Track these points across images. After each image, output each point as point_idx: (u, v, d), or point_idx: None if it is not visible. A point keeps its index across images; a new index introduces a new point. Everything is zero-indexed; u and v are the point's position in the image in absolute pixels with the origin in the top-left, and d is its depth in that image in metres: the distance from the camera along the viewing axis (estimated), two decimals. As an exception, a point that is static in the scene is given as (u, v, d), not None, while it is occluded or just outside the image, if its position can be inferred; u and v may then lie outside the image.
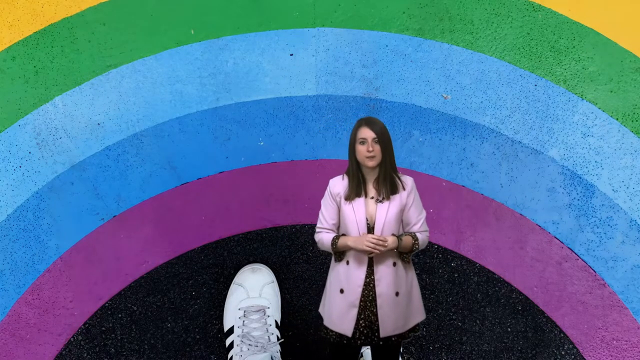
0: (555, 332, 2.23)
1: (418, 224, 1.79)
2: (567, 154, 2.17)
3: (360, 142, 1.75)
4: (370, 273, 1.77)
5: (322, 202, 1.84)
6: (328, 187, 1.83)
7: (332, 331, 1.83)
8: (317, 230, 1.84)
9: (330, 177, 1.86)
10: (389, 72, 2.21)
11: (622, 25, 2.09)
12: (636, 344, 2.16)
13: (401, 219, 1.79)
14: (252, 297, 2.24)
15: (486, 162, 2.23)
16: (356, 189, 1.78)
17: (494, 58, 2.17)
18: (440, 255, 2.32)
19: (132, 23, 2.15)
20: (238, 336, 2.18)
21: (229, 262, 2.34)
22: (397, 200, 1.77)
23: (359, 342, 1.80)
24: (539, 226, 2.22)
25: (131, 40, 2.16)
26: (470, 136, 2.22)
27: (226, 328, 2.26)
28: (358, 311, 1.78)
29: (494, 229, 2.26)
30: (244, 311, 2.21)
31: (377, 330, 1.78)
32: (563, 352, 2.23)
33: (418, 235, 1.78)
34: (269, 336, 2.17)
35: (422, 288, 1.90)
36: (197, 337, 2.33)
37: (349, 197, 1.78)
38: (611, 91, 2.12)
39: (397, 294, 1.77)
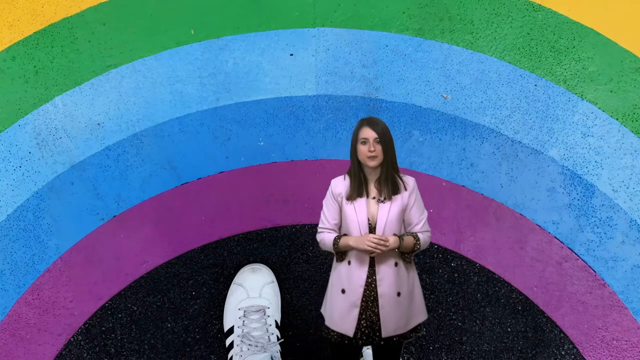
0: (555, 332, 2.24)
1: (420, 224, 1.80)
2: (567, 154, 2.17)
3: (361, 142, 1.75)
4: (371, 273, 1.77)
5: (324, 202, 1.84)
6: (330, 187, 1.83)
7: (333, 331, 1.83)
8: (319, 230, 1.84)
9: (330, 177, 1.86)
10: (389, 72, 2.21)
11: (622, 25, 2.09)
12: (636, 344, 2.16)
13: (403, 219, 1.79)
14: (252, 297, 2.24)
15: (486, 162, 2.23)
16: (358, 189, 1.78)
17: (494, 58, 2.17)
18: (440, 255, 2.32)
19: (132, 23, 2.15)
20: (238, 336, 2.18)
21: (229, 262, 2.34)
22: (398, 201, 1.77)
23: (360, 342, 1.80)
24: (539, 226, 2.22)
25: (131, 40, 2.16)
26: (470, 136, 2.22)
27: (226, 328, 2.26)
28: (359, 311, 1.78)
29: (494, 229, 2.26)
30: (244, 311, 2.21)
31: (379, 331, 1.78)
32: (563, 352, 2.23)
33: (420, 235, 1.78)
34: (269, 336, 2.17)
35: (422, 288, 1.90)
36: (197, 337, 2.33)
37: (351, 197, 1.78)
38: (611, 91, 2.12)
39: (398, 294, 1.77)
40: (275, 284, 2.32)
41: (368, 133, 1.74)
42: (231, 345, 2.20)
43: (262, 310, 2.22)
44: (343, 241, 1.77)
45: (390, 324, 1.78)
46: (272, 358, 2.13)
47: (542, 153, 2.18)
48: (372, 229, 1.76)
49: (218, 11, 2.17)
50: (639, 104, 2.11)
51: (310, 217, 2.33)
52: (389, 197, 1.76)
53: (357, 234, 1.76)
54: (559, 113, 2.16)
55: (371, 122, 1.76)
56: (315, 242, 2.19)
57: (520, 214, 2.23)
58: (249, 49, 2.20)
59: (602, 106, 2.13)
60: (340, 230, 1.83)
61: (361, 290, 1.77)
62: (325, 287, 1.92)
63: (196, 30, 2.18)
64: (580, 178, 2.16)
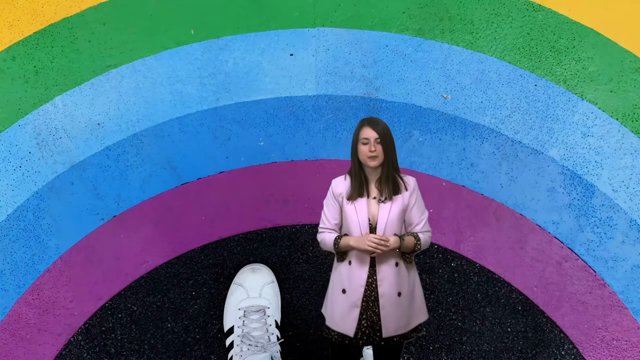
0: (555, 332, 2.24)
1: (420, 224, 1.80)
2: (567, 154, 2.17)
3: (362, 142, 1.75)
4: (372, 273, 1.77)
5: (325, 202, 1.84)
6: (330, 187, 1.83)
7: (334, 331, 1.83)
8: (320, 230, 1.84)
9: (330, 177, 1.86)
10: (389, 72, 2.21)
11: (622, 25, 2.09)
12: (636, 344, 2.16)
13: (403, 219, 1.79)
14: (252, 297, 2.24)
15: (486, 162, 2.23)
16: (358, 189, 1.78)
17: (494, 58, 2.17)
18: (440, 255, 2.32)
19: (132, 23, 2.15)
20: (238, 336, 2.18)
21: (229, 262, 2.34)
22: (399, 201, 1.77)
23: (360, 342, 1.80)
24: (539, 226, 2.22)
25: (131, 40, 2.16)
26: (470, 136, 2.22)
27: (226, 328, 2.26)
28: (360, 311, 1.78)
29: (494, 229, 2.26)
30: (244, 311, 2.21)
31: (379, 331, 1.78)
32: (563, 352, 2.23)
33: (420, 235, 1.78)
34: (269, 336, 2.17)
35: (422, 288, 1.90)
36: (197, 337, 2.33)
37: (351, 197, 1.78)
38: (611, 91, 2.12)
39: (399, 294, 1.77)
40: (275, 284, 2.32)
41: (369, 133, 1.74)
42: (231, 345, 2.20)
43: (262, 310, 2.22)
44: (344, 241, 1.77)
45: (391, 324, 1.78)
46: (272, 358, 2.13)
47: (542, 153, 2.18)
48: (372, 229, 1.76)
49: (218, 11, 2.17)
50: (639, 104, 2.11)
51: (310, 217, 2.33)
52: (389, 197, 1.76)
53: (357, 234, 1.76)
54: (559, 113, 2.16)
55: (372, 122, 1.76)
56: (315, 242, 2.19)
57: (520, 214, 2.23)
58: (249, 49, 2.20)
59: (602, 106, 2.13)
60: (341, 230, 1.83)
61: (362, 290, 1.77)
62: (325, 287, 1.92)
63: (196, 30, 2.18)
64: (580, 178, 2.16)
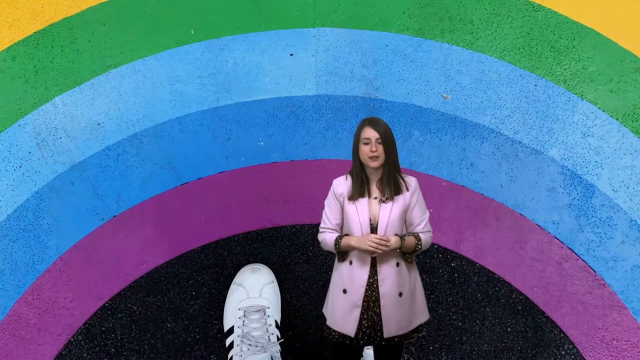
0: (555, 332, 2.24)
1: (421, 225, 1.80)
2: (567, 154, 2.17)
3: (363, 142, 1.75)
4: (373, 273, 1.77)
5: (326, 202, 1.84)
6: (332, 187, 1.83)
7: (334, 331, 1.83)
8: (321, 230, 1.84)
9: (330, 177, 1.86)
10: (389, 72, 2.21)
11: (622, 25, 2.09)
12: (636, 344, 2.16)
13: (404, 219, 1.79)
14: (252, 297, 2.24)
15: (486, 162, 2.23)
16: (360, 189, 1.78)
17: (494, 58, 2.17)
18: (440, 255, 2.32)
19: (132, 23, 2.15)
20: (238, 336, 2.18)
21: (229, 262, 2.34)
22: (400, 201, 1.77)
23: (361, 342, 1.80)
24: (539, 226, 2.22)
25: (131, 40, 2.16)
26: (470, 136, 2.22)
27: (226, 328, 2.26)
28: (361, 311, 1.78)
29: (494, 229, 2.26)
30: (244, 311, 2.21)
31: (380, 331, 1.78)
32: (563, 352, 2.23)
33: (421, 235, 1.79)
34: (269, 336, 2.17)
35: (423, 288, 1.90)
36: (197, 337, 2.33)
37: (353, 197, 1.78)
38: (611, 91, 2.12)
39: (400, 294, 1.77)
40: (275, 284, 2.32)
41: (370, 133, 1.74)
42: (231, 345, 2.20)
43: (262, 310, 2.22)
44: (344, 241, 1.77)
45: (392, 324, 1.78)
46: (272, 358, 2.13)
47: (542, 153, 2.18)
48: (373, 229, 1.76)
49: (218, 11, 2.17)
50: (639, 104, 2.11)
51: (310, 217, 2.33)
52: (391, 198, 1.76)
53: (358, 234, 1.76)
54: (559, 113, 2.16)
55: (373, 123, 1.76)
56: (315, 242, 2.19)
57: (520, 214, 2.23)
58: (249, 49, 2.20)
59: (602, 106, 2.13)
60: (342, 230, 1.83)
61: (363, 290, 1.77)
62: (325, 287, 1.92)
63: (196, 30, 2.18)
64: (580, 178, 2.16)
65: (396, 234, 1.75)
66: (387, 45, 2.20)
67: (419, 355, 2.32)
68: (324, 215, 1.84)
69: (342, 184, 1.82)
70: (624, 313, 2.16)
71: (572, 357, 2.22)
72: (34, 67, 2.13)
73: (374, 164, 1.75)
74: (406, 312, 1.80)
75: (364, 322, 1.79)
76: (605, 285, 2.17)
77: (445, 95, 2.21)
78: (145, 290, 2.31)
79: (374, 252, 1.71)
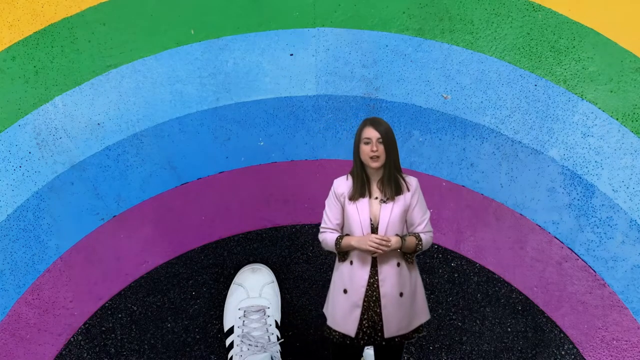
0: (555, 332, 2.24)
1: (422, 225, 1.80)
2: (567, 154, 2.17)
3: (364, 142, 1.75)
4: (374, 273, 1.77)
5: (327, 202, 1.84)
6: (332, 187, 1.83)
7: (335, 331, 1.83)
8: (321, 230, 1.84)
9: (330, 177, 1.86)
10: (389, 72, 2.21)
11: (622, 25, 2.09)
12: (636, 344, 2.16)
13: (405, 219, 1.79)
14: (252, 297, 2.24)
15: (486, 162, 2.23)
16: (360, 190, 1.78)
17: (494, 58, 2.17)
18: (440, 255, 2.32)
19: (132, 23, 2.15)
20: (238, 336, 2.18)
21: (229, 262, 2.34)
22: (401, 201, 1.77)
23: (362, 342, 1.80)
24: (539, 226, 2.22)
25: (131, 40, 2.16)
26: (470, 136, 2.22)
27: (226, 328, 2.26)
28: (361, 311, 1.78)
29: (494, 229, 2.26)
30: (244, 311, 2.21)
31: (381, 331, 1.78)
32: (563, 352, 2.23)
33: (422, 235, 1.79)
34: (269, 336, 2.17)
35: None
36: (197, 337, 2.33)
37: (353, 198, 1.78)
38: (611, 91, 2.12)
39: (401, 294, 1.77)
40: (275, 284, 2.32)
41: (371, 133, 1.74)
42: (231, 345, 2.20)
43: (262, 310, 2.22)
44: (345, 241, 1.77)
45: (393, 325, 1.78)
46: (272, 358, 2.13)
47: (542, 153, 2.18)
48: (374, 229, 1.76)
49: (218, 11, 2.17)
50: (639, 104, 2.11)
51: (311, 217, 2.33)
52: (391, 198, 1.76)
53: (359, 234, 1.76)
54: (559, 113, 2.16)
55: (374, 122, 1.76)
56: (315, 242, 2.19)
57: (520, 214, 2.23)
58: (249, 49, 2.20)
59: (602, 106, 2.13)
60: (343, 230, 1.83)
61: (363, 290, 1.77)
62: (325, 287, 1.92)
63: (196, 30, 2.18)
64: (580, 178, 2.16)
65: (397, 234, 1.75)
66: (387, 45, 2.20)
67: (419, 355, 2.32)
68: (324, 215, 1.84)
69: (342, 184, 1.82)
70: (624, 313, 2.16)
71: (572, 357, 2.22)
72: (34, 67, 2.13)
73: (375, 164, 1.75)
74: (407, 312, 1.80)
75: (364, 322, 1.79)
76: (605, 285, 2.17)
77: (445, 95, 2.21)
78: (145, 290, 2.31)
79: (375, 253, 1.71)
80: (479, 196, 2.26)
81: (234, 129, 2.26)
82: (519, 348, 2.27)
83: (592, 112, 2.14)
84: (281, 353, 2.19)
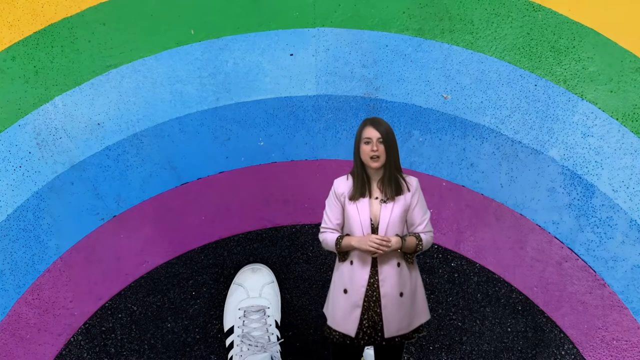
0: (555, 332, 2.24)
1: (422, 225, 1.80)
2: (567, 154, 2.17)
3: (365, 142, 1.75)
4: (374, 273, 1.77)
5: (327, 202, 1.84)
6: (332, 187, 1.83)
7: (335, 331, 1.83)
8: (322, 230, 1.84)
9: (330, 177, 1.86)
10: (389, 72, 2.21)
11: (622, 25, 2.09)
12: (636, 344, 2.16)
13: (405, 219, 1.79)
14: (252, 297, 2.24)
15: (486, 162, 2.23)
16: (360, 190, 1.78)
17: (494, 58, 2.17)
18: (440, 255, 2.32)
19: (132, 23, 2.15)
20: (238, 336, 2.18)
21: (229, 262, 2.34)
22: (401, 201, 1.77)
23: (362, 342, 1.80)
24: (539, 226, 2.22)
25: (131, 40, 2.16)
26: (470, 136, 2.22)
27: (226, 328, 2.26)
28: (361, 311, 1.78)
29: (494, 229, 2.26)
30: (244, 311, 2.21)
31: (381, 331, 1.78)
32: (563, 352, 2.23)
33: (422, 235, 1.79)
34: (269, 336, 2.17)
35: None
36: (197, 337, 2.33)
37: (354, 198, 1.78)
38: (611, 91, 2.12)
39: (401, 294, 1.77)
40: (275, 284, 2.32)
41: (371, 133, 1.74)
42: (231, 345, 2.20)
43: (262, 310, 2.22)
44: (345, 241, 1.77)
45: (393, 325, 1.78)
46: (272, 358, 2.13)
47: (542, 153, 2.18)
48: (374, 229, 1.76)
49: (218, 11, 2.17)
50: (639, 104, 2.11)
51: (310, 217, 2.33)
52: (391, 198, 1.76)
53: (359, 234, 1.76)
54: (559, 113, 2.16)
55: (375, 122, 1.76)
56: (315, 242, 2.19)
57: (520, 214, 2.23)
58: (249, 49, 2.20)
59: (602, 106, 2.13)
60: (343, 230, 1.83)
61: (363, 290, 1.77)
62: (325, 287, 1.92)
63: (196, 30, 2.18)
64: (580, 178, 2.17)
65: (397, 235, 1.75)
66: (387, 45, 2.20)
67: (419, 355, 2.32)
68: (324, 215, 1.84)
69: (343, 184, 1.82)
70: (624, 313, 2.16)
71: (572, 357, 2.22)
72: (34, 67, 2.13)
73: (375, 164, 1.75)
74: (407, 312, 1.80)
75: (364, 322, 1.79)
76: (605, 285, 2.17)
77: (445, 95, 2.21)
78: (145, 290, 2.31)
79: (375, 253, 1.72)
80: (479, 196, 2.26)
81: (234, 129, 2.26)
82: (519, 348, 2.27)
83: (592, 112, 2.14)
84: (281, 353, 2.19)
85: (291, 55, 2.22)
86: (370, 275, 1.77)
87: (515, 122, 2.19)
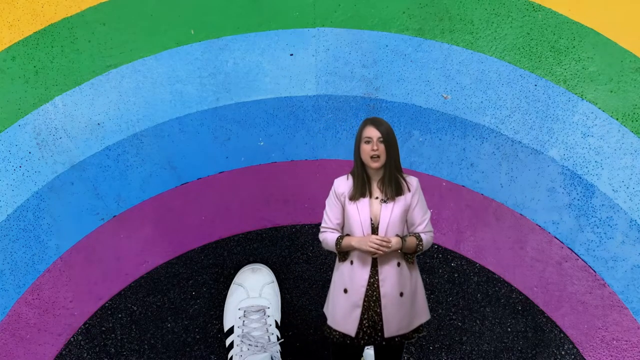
0: (555, 332, 2.24)
1: (422, 225, 1.80)
2: (567, 154, 2.17)
3: (365, 141, 1.75)
4: (374, 273, 1.77)
5: (327, 201, 1.84)
6: (333, 187, 1.83)
7: (335, 331, 1.84)
8: (322, 229, 1.84)
9: (330, 177, 1.86)
10: (389, 72, 2.21)
11: (622, 25, 2.09)
12: (636, 344, 2.16)
13: (405, 219, 1.79)
14: (252, 297, 2.24)
15: (486, 162, 2.23)
16: (361, 189, 1.78)
17: (494, 58, 2.17)
18: (440, 255, 2.32)
19: (132, 23, 2.15)
20: (238, 336, 2.18)
21: (229, 262, 2.34)
22: (401, 201, 1.77)
23: (362, 342, 1.80)
24: (539, 226, 2.22)
25: (131, 40, 2.16)
26: (470, 136, 2.22)
27: (226, 328, 2.26)
28: (361, 311, 1.78)
29: (494, 229, 2.26)
30: (244, 311, 2.21)
31: (381, 331, 1.78)
32: (563, 352, 2.23)
33: (422, 235, 1.78)
34: (269, 336, 2.17)
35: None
36: (197, 337, 2.33)
37: (354, 197, 1.78)
38: (611, 91, 2.12)
39: (401, 294, 1.77)
40: (275, 284, 2.32)
41: (372, 132, 1.74)
42: (231, 345, 2.20)
43: (262, 310, 2.22)
44: (345, 241, 1.77)
45: (393, 324, 1.78)
46: (272, 358, 2.13)
47: (542, 153, 2.18)
48: (374, 229, 1.76)
49: (218, 11, 2.17)
50: (639, 104, 2.11)
51: (310, 217, 2.33)
52: (392, 198, 1.76)
53: (359, 234, 1.76)
54: (559, 113, 2.16)
55: (375, 122, 1.76)
56: (315, 242, 2.19)
57: (520, 214, 2.23)
58: (249, 49, 2.20)
59: (602, 106, 2.13)
60: (343, 230, 1.83)
61: (363, 290, 1.77)
62: (325, 287, 1.92)
63: (196, 30, 2.18)
64: (580, 178, 2.16)
65: (397, 235, 1.75)
66: (387, 45, 2.20)
67: (419, 355, 2.32)
68: (324, 215, 1.84)
69: (343, 184, 1.82)
70: (624, 313, 2.16)
71: (572, 357, 2.22)
72: (34, 67, 2.13)
73: (375, 164, 1.75)
74: (407, 312, 1.80)
75: (364, 321, 1.79)
76: (605, 285, 2.17)
77: (445, 95, 2.21)
78: (145, 290, 2.31)
79: (375, 253, 1.71)
80: (479, 196, 2.26)
81: (234, 129, 2.26)
82: (519, 348, 2.27)
83: (592, 112, 2.14)
84: (281, 353, 2.19)
85: (291, 55, 2.22)
86: (370, 275, 1.77)
87: (515, 122, 2.19)
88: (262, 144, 2.28)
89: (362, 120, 1.80)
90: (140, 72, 2.18)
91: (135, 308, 2.30)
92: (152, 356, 2.31)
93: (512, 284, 2.28)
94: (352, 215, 1.77)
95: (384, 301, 1.77)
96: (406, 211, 1.78)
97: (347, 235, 1.79)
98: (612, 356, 2.19)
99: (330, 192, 1.83)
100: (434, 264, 2.32)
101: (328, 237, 1.81)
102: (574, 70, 2.13)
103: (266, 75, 2.22)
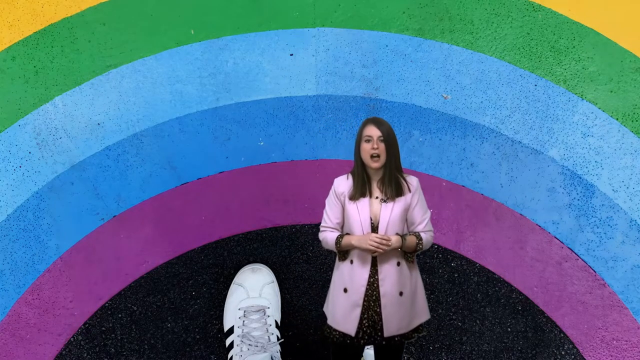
0: (555, 332, 2.24)
1: (422, 224, 1.80)
2: (567, 154, 2.17)
3: (365, 140, 1.75)
4: (374, 272, 1.77)
5: (327, 201, 1.84)
6: (333, 187, 1.83)
7: (335, 330, 1.84)
8: (322, 229, 1.84)
9: (330, 177, 1.86)
10: (389, 72, 2.21)
11: (622, 25, 2.09)
12: (636, 344, 2.16)
13: (405, 218, 1.79)
14: (252, 297, 2.24)
15: (486, 162, 2.23)
16: (361, 189, 1.78)
17: (494, 58, 2.17)
18: (440, 255, 2.32)
19: (132, 23, 2.15)
20: (238, 336, 2.18)
21: (229, 262, 2.34)
22: (401, 200, 1.77)
23: (362, 341, 1.80)
24: (539, 226, 2.22)
25: (131, 40, 2.16)
26: (470, 136, 2.22)
27: (226, 328, 2.26)
28: (361, 311, 1.78)
29: (494, 229, 2.26)
30: (244, 311, 2.21)
31: (381, 330, 1.78)
32: (563, 352, 2.23)
33: (422, 235, 1.79)
34: (269, 336, 2.17)
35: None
36: (197, 337, 2.33)
37: (354, 197, 1.78)
38: (611, 91, 2.12)
39: (401, 293, 1.77)
40: (275, 284, 2.32)
41: (372, 131, 1.75)
42: (231, 345, 2.20)
43: (262, 310, 2.22)
44: (345, 240, 1.77)
45: (393, 324, 1.78)
46: (272, 358, 2.13)
47: (542, 153, 2.18)
48: (374, 229, 1.76)
49: (218, 11, 2.17)
50: (639, 104, 2.11)
51: (310, 217, 2.33)
52: (392, 197, 1.76)
53: (359, 234, 1.76)
54: (559, 113, 2.16)
55: (376, 122, 1.77)
56: (315, 242, 2.19)
57: (520, 214, 2.23)
58: (249, 49, 2.20)
59: (602, 106, 2.13)
60: (343, 230, 1.83)
61: (363, 289, 1.77)
62: (325, 286, 1.92)
63: (196, 30, 2.18)
64: (580, 178, 2.16)
65: (397, 234, 1.76)
66: (387, 45, 2.20)
67: (419, 355, 2.32)
68: (324, 214, 1.84)
69: (343, 183, 1.82)
70: (624, 313, 2.16)
71: (572, 357, 2.22)
72: (34, 67, 2.13)
73: (375, 164, 1.75)
74: (407, 311, 1.80)
75: (364, 321, 1.79)
76: (605, 285, 2.17)
77: (445, 95, 2.21)
78: (145, 290, 2.31)
79: (375, 252, 1.72)
80: (479, 196, 2.26)
81: (234, 129, 2.26)
82: (519, 348, 2.27)
83: (592, 112, 2.14)
84: (281, 353, 2.19)
85: (291, 55, 2.22)
86: (370, 275, 1.77)
87: (515, 122, 2.19)
88: (262, 144, 2.28)
89: (363, 120, 1.80)
90: (140, 72, 2.18)
91: (135, 308, 2.30)
92: (152, 356, 2.31)
93: (512, 284, 2.28)
94: (352, 215, 1.78)
95: (383, 300, 1.77)
96: (406, 211, 1.78)
97: (347, 234, 1.79)
98: (612, 356, 2.19)
99: (330, 191, 1.83)
100: (434, 264, 2.32)
101: (328, 236, 1.81)
102: (574, 70, 2.13)
103: (266, 75, 2.22)
